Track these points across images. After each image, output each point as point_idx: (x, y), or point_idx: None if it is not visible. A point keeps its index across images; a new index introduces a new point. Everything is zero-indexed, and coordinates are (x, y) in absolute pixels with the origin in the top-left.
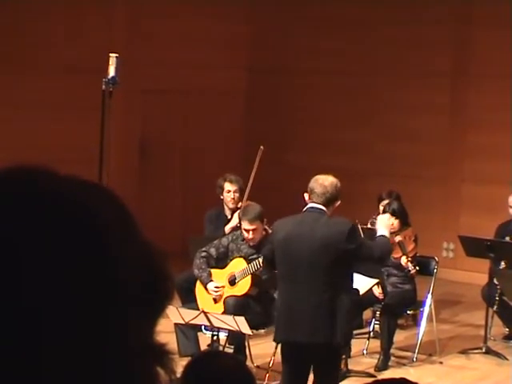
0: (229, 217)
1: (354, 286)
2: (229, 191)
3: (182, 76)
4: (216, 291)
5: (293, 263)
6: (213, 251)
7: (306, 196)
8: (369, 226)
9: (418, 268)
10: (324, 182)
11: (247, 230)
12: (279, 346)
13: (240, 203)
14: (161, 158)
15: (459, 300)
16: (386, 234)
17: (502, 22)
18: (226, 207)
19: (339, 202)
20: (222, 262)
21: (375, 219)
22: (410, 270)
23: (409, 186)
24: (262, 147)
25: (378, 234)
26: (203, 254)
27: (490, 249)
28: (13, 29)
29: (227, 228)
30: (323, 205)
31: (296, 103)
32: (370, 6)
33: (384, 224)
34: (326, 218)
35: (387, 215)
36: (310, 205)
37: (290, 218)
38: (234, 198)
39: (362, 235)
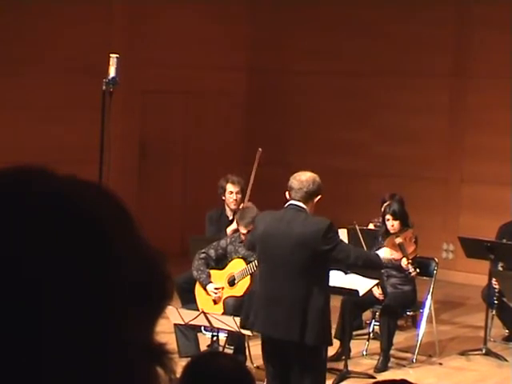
0: (230, 217)
1: (354, 287)
2: (231, 192)
3: (182, 76)
4: (215, 293)
5: (270, 260)
6: (212, 252)
7: (287, 194)
8: (370, 226)
9: (418, 270)
10: (301, 177)
11: (244, 234)
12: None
13: (242, 204)
14: (161, 158)
15: (459, 301)
16: (382, 256)
17: (502, 22)
18: (227, 208)
19: (319, 197)
20: (220, 263)
21: (378, 222)
22: (410, 272)
23: (408, 186)
24: (260, 149)
25: (378, 252)
26: (202, 255)
27: (489, 250)
28: (13, 29)
29: (229, 230)
30: (301, 201)
31: (296, 103)
32: (371, 6)
33: (385, 253)
34: (305, 215)
35: (389, 251)
36: (290, 202)
37: (270, 214)
38: (236, 200)
39: (361, 236)
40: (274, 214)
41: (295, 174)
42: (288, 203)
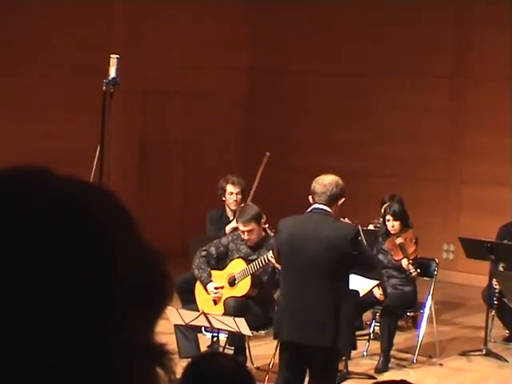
0: (230, 218)
1: (355, 288)
2: (231, 193)
3: (183, 77)
4: (215, 292)
5: (297, 264)
6: (213, 250)
7: (311, 199)
8: (370, 227)
9: (419, 270)
10: (324, 180)
11: (242, 232)
12: (279, 345)
13: (242, 205)
14: (161, 158)
15: (459, 302)
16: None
17: (502, 23)
18: (227, 208)
19: (343, 200)
20: (221, 261)
21: (378, 223)
22: (411, 273)
23: (409, 187)
24: (267, 153)
25: None
26: (203, 253)
27: (490, 250)
28: (13, 29)
29: (228, 228)
30: (326, 204)
31: (296, 104)
32: (371, 6)
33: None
34: (332, 220)
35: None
36: (314, 206)
37: (293, 218)
38: (236, 200)
39: (363, 236)
40: (297, 218)
41: (317, 178)
42: (312, 207)
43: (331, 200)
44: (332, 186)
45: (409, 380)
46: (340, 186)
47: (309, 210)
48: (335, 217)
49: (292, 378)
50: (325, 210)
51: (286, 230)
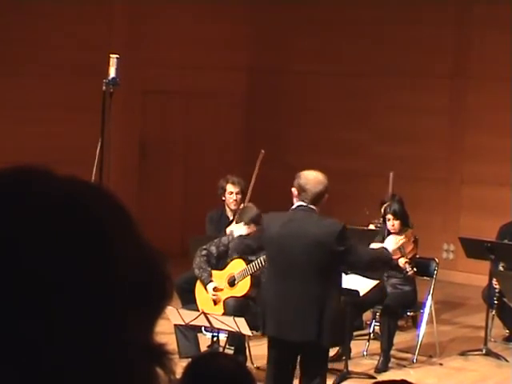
0: (230, 218)
1: (355, 288)
2: (231, 193)
3: (183, 77)
4: (213, 294)
5: (284, 261)
6: (213, 249)
7: (295, 191)
8: (371, 227)
9: (415, 269)
10: (308, 177)
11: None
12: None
13: (242, 205)
14: (161, 158)
15: (459, 301)
16: (389, 249)
17: (502, 23)
18: (227, 208)
19: (327, 196)
20: (222, 260)
21: (378, 223)
22: (407, 271)
23: (409, 187)
24: (262, 151)
25: (383, 245)
26: (204, 252)
27: (490, 250)
28: (13, 29)
29: (229, 229)
30: (311, 202)
31: (296, 103)
32: (371, 6)
33: (392, 243)
34: (317, 217)
35: (396, 237)
36: (299, 203)
37: (277, 216)
38: (236, 200)
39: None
40: (282, 215)
41: (301, 175)
42: (296, 204)
43: (316, 197)
44: (317, 183)
45: (409, 380)
46: (323, 184)
47: (294, 207)
48: (319, 213)
49: (279, 374)
50: (309, 207)
51: (271, 227)
